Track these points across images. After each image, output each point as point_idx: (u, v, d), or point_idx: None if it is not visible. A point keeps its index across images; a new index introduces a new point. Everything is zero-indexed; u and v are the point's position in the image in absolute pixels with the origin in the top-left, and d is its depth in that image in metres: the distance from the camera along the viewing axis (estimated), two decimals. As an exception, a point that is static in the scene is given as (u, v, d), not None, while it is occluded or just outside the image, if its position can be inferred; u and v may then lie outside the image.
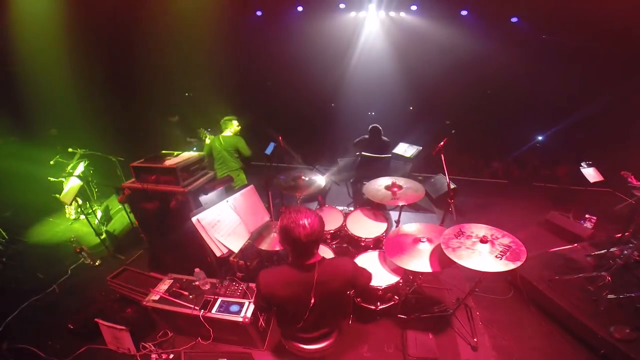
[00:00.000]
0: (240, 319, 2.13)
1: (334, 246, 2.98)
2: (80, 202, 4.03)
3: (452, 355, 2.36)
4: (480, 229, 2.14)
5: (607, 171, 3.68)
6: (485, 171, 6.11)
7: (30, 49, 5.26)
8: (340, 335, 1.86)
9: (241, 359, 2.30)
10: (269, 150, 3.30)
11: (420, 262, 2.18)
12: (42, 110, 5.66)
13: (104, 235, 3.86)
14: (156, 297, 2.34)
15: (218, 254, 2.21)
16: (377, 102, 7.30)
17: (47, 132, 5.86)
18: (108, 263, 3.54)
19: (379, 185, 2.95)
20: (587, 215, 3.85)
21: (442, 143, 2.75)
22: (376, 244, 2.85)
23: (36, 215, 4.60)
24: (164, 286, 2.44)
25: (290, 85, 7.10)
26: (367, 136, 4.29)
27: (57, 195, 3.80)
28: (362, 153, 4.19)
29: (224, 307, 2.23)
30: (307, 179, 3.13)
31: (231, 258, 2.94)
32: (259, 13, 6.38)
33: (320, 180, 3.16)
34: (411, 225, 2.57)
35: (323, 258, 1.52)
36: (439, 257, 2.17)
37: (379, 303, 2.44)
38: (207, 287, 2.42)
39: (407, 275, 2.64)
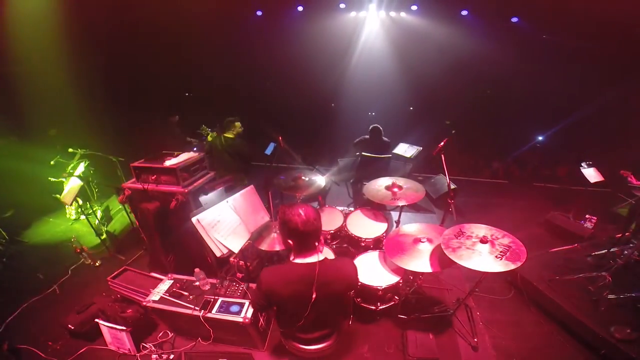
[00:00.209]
0: (241, 320, 2.12)
1: (334, 246, 2.98)
2: (80, 202, 4.02)
3: (453, 356, 2.36)
4: (481, 229, 2.14)
5: (608, 171, 3.69)
6: (486, 171, 6.11)
7: (30, 49, 5.26)
8: (340, 335, 1.86)
9: (241, 359, 2.30)
10: (269, 151, 3.31)
11: (420, 262, 2.18)
12: (42, 110, 5.66)
13: (104, 236, 3.87)
14: (156, 298, 2.34)
15: (218, 254, 2.21)
16: (377, 102, 7.30)
17: (46, 132, 5.86)
18: (108, 263, 3.53)
19: (379, 186, 2.94)
20: (587, 216, 3.84)
21: (442, 143, 2.75)
22: (376, 244, 2.85)
23: (36, 215, 4.59)
24: (164, 286, 2.44)
25: (291, 85, 7.11)
26: (367, 136, 4.29)
27: (58, 196, 3.79)
28: (362, 153, 4.19)
29: (224, 308, 2.23)
30: (307, 179, 3.13)
31: (231, 258, 2.93)
32: (259, 13, 6.39)
33: (320, 180, 3.16)
34: (411, 226, 2.57)
35: (325, 258, 1.53)
36: (439, 257, 2.17)
37: (379, 303, 2.44)
38: (207, 287, 2.41)
39: (407, 276, 2.64)
